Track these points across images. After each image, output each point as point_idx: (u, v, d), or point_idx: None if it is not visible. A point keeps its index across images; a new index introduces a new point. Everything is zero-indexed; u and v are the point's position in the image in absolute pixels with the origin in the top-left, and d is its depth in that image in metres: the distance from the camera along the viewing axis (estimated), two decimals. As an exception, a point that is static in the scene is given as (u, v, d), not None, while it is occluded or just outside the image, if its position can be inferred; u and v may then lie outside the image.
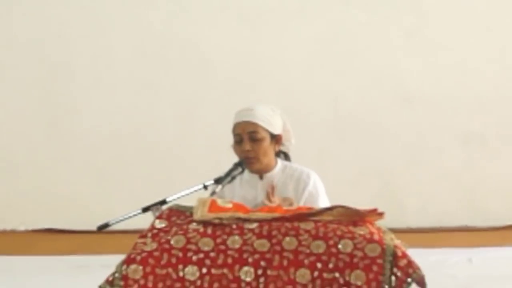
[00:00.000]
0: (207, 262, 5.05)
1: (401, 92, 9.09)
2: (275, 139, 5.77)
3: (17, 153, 9.17)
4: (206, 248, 5.07)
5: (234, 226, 5.11)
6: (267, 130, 5.73)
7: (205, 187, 5.64)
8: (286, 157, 5.91)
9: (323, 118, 9.07)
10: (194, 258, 5.06)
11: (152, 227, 5.22)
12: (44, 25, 9.15)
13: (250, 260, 5.03)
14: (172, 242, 5.09)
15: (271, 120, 5.75)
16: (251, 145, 5.71)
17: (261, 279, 5.01)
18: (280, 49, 9.07)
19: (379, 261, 4.98)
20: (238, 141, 5.74)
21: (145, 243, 5.11)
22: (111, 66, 9.16)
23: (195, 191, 5.60)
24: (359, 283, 4.95)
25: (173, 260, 5.06)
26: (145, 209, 5.46)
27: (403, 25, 9.07)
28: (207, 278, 5.03)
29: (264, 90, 8.77)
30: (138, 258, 5.07)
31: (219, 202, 5.35)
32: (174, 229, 5.16)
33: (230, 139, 5.75)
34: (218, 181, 5.67)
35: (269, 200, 5.66)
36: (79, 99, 9.18)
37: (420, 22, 9.05)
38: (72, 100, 9.19)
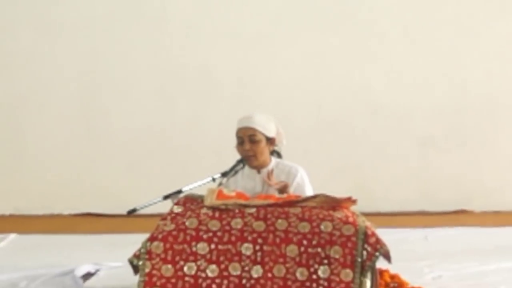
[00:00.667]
0: (215, 239, 5.05)
1: (370, 102, 9.07)
2: (270, 141, 5.77)
3: (63, 151, 9.14)
4: (214, 228, 5.07)
5: (236, 211, 5.12)
6: (263, 134, 5.72)
7: (214, 179, 5.64)
8: (279, 155, 5.91)
9: (308, 124, 9.04)
10: (205, 236, 5.06)
11: (171, 211, 5.22)
12: (85, 45, 9.12)
13: (249, 238, 5.04)
14: (187, 223, 5.10)
15: (266, 125, 5.75)
16: (250, 145, 5.71)
17: (259, 253, 5.01)
18: (273, 68, 9.05)
19: (353, 239, 4.99)
20: (240, 143, 5.74)
21: (165, 224, 5.12)
22: (139, 82, 9.13)
23: (206, 182, 5.60)
24: (337, 256, 4.96)
25: (188, 238, 5.06)
26: (166, 197, 5.46)
27: (371, 48, 9.04)
28: (215, 252, 5.03)
29: (261, 101, 8.74)
30: (160, 236, 5.08)
31: (225, 191, 5.36)
32: (188, 213, 5.16)
33: (233, 141, 5.76)
34: (224, 174, 5.68)
35: (269, 179, 5.67)
36: (112, 106, 9.15)
37: (385, 46, 9.02)
38: (107, 106, 9.16)
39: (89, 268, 6.08)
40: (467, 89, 9.09)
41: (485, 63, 9.06)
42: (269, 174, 5.69)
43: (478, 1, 9.00)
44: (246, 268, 5.00)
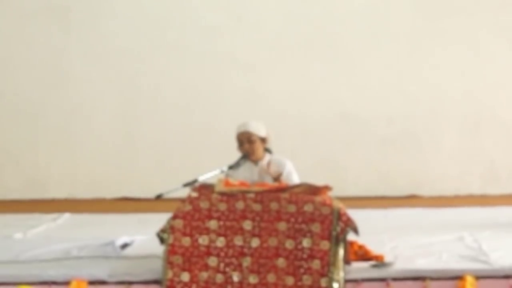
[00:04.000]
0: (223, 217, 5.05)
1: (343, 112, 9.02)
2: (262, 140, 5.77)
3: (106, 150, 9.07)
4: (222, 209, 5.07)
5: (239, 195, 5.12)
6: (257, 135, 5.73)
7: (222, 171, 5.64)
8: (269, 151, 5.89)
9: (295, 128, 8.98)
10: (215, 215, 5.06)
11: (189, 196, 5.22)
12: (123, 69, 9.07)
13: (249, 216, 5.05)
14: (201, 205, 5.09)
15: (259, 129, 5.75)
16: (249, 145, 5.71)
17: (256, 228, 5.02)
18: (268, 86, 9.01)
19: (330, 217, 5.00)
20: (241, 144, 5.74)
21: (184, 206, 5.11)
22: (165, 96, 9.08)
23: (216, 173, 5.59)
24: (317, 230, 4.97)
25: (202, 216, 5.06)
26: (185, 185, 5.43)
27: (344, 72, 8.99)
28: (223, 227, 5.04)
29: (260, 112, 8.66)
30: (180, 215, 5.08)
31: (230, 180, 5.36)
32: (202, 197, 5.16)
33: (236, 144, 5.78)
34: (230, 167, 5.68)
35: (268, 168, 5.64)
36: (144, 114, 9.10)
37: (353, 68, 8.98)
38: (140, 115, 9.10)
39: (126, 239, 6.06)
40: (417, 101, 9.07)
41: (431, 81, 9.04)
42: (268, 165, 5.67)
43: (425, 28, 8.99)
44: (247, 240, 5.01)
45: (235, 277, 4.95)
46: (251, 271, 4.95)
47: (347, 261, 5.10)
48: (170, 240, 5.02)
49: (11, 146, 9.24)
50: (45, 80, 9.22)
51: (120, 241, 5.97)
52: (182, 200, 5.17)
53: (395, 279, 5.12)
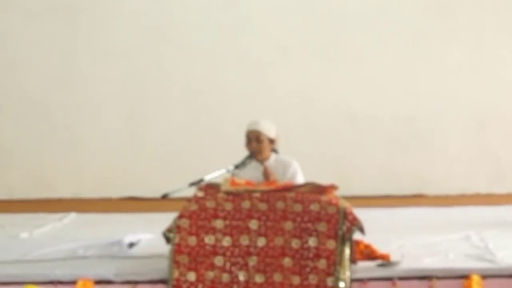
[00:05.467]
0: (229, 217, 5.05)
1: (350, 112, 8.99)
2: (271, 140, 5.76)
3: (112, 149, 9.05)
4: (228, 208, 5.07)
5: (245, 195, 5.11)
6: (266, 135, 5.71)
7: (228, 170, 5.63)
8: (275, 151, 5.87)
9: (301, 128, 8.97)
10: (221, 214, 5.06)
11: (195, 195, 5.21)
12: (128, 69, 9.07)
13: (255, 215, 5.04)
14: (207, 205, 5.09)
15: (269, 128, 5.74)
16: (257, 144, 5.70)
17: (263, 228, 5.02)
18: (276, 87, 8.98)
19: (336, 216, 5.00)
20: (249, 141, 5.73)
21: (190, 205, 5.11)
22: (171, 96, 9.09)
23: (222, 173, 5.57)
24: (323, 229, 4.96)
25: (208, 216, 5.06)
26: (191, 184, 5.42)
27: (351, 72, 8.97)
28: (229, 227, 5.03)
29: (262, 111, 8.61)
30: (186, 214, 5.08)
31: (236, 179, 5.35)
32: (208, 196, 5.15)
33: (243, 141, 5.75)
34: (236, 167, 5.67)
35: (268, 171, 5.64)
36: (151, 113, 9.09)
37: (360, 70, 8.97)
38: (146, 114, 9.09)
39: (132, 238, 6.06)
40: (423, 100, 9.06)
41: (437, 81, 9.03)
42: (268, 168, 5.66)
43: (432, 28, 8.97)
44: (253, 239, 5.00)
45: (241, 277, 4.94)
46: (257, 271, 4.95)
47: (353, 260, 5.09)
48: (176, 240, 5.02)
49: (17, 146, 9.24)
50: (51, 80, 9.22)
51: (126, 240, 5.96)
52: (188, 200, 5.17)
53: (401, 278, 5.11)
